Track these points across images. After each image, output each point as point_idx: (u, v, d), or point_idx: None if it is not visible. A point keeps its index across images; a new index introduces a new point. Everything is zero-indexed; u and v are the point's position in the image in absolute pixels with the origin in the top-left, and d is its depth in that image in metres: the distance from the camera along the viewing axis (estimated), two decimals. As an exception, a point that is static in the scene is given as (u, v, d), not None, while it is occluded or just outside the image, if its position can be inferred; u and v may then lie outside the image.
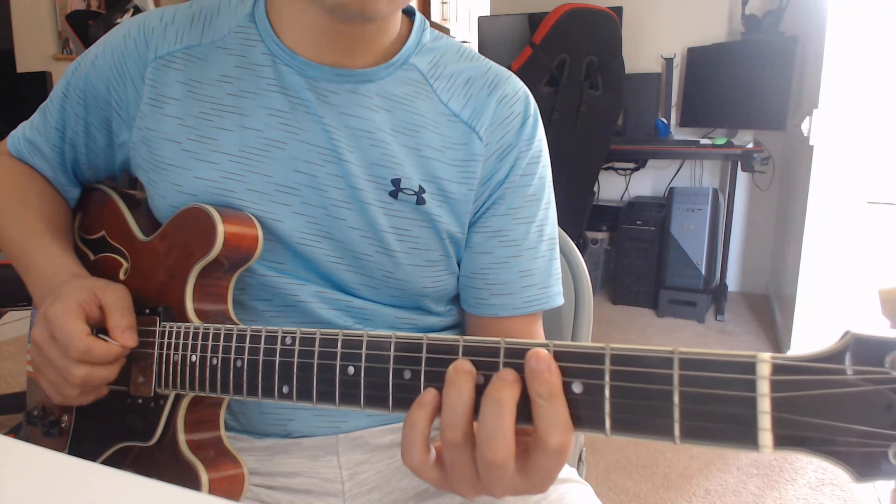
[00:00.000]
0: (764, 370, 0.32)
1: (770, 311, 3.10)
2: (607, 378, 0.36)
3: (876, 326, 0.31)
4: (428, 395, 0.41)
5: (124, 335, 0.56)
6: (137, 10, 2.52)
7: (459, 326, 0.75)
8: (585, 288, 0.83)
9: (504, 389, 0.38)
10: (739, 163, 2.93)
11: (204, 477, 0.55)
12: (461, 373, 0.39)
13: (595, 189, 3.29)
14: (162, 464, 0.57)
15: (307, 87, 0.61)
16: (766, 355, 0.32)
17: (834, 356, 0.31)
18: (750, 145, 2.96)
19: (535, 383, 0.37)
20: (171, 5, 0.66)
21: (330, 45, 0.61)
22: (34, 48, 3.29)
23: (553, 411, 0.37)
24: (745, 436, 0.32)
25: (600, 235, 3.29)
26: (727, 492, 1.76)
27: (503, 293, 0.67)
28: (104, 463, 0.61)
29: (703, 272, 2.97)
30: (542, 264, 0.68)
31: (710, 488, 1.77)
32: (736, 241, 3.37)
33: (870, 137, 2.23)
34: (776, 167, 3.21)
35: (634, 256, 3.15)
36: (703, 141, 3.09)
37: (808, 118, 2.32)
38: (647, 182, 3.55)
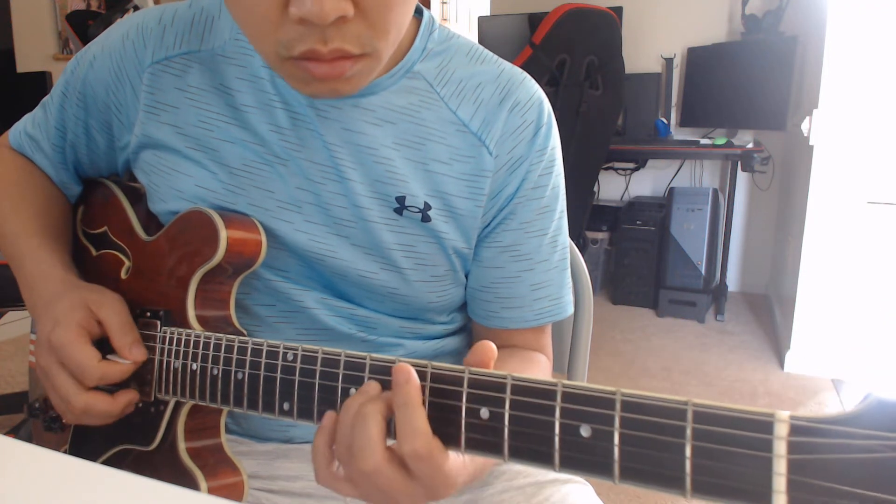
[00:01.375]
0: (781, 430, 0.31)
1: (770, 311, 3.10)
2: (617, 424, 0.35)
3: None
4: (327, 420, 0.44)
5: (132, 352, 0.56)
6: (137, 10, 2.51)
7: (463, 332, 0.74)
8: (585, 288, 0.82)
9: (369, 404, 0.41)
10: (739, 163, 2.93)
11: (203, 485, 0.55)
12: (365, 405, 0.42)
13: (595, 189, 3.29)
14: (161, 469, 0.57)
15: (307, 102, 0.59)
16: (785, 415, 0.31)
17: (854, 419, 0.30)
18: (750, 145, 2.96)
19: (396, 395, 0.40)
20: (171, 4, 0.64)
21: None
22: (34, 48, 3.29)
23: (406, 417, 0.40)
24: (758, 496, 0.31)
25: (600, 235, 3.29)
26: (727, 492, 1.76)
27: (514, 306, 0.65)
28: (104, 464, 0.61)
29: (703, 272, 2.96)
30: (555, 276, 0.66)
31: (710, 488, 1.77)
32: (736, 241, 3.37)
33: (870, 137, 2.23)
34: (776, 167, 3.20)
35: (634, 256, 3.14)
36: (703, 141, 3.09)
37: (808, 118, 2.32)
38: (647, 182, 3.55)
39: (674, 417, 0.33)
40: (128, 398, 0.57)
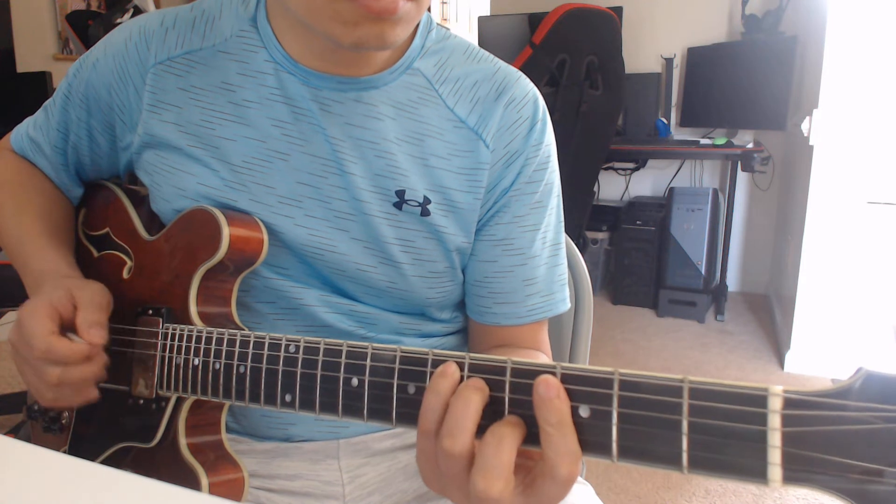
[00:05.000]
0: (775, 404, 0.31)
1: (770, 311, 3.10)
2: (615, 404, 0.35)
3: (888, 364, 0.31)
4: (451, 367, 0.40)
5: (90, 331, 0.54)
6: (138, 10, 2.52)
7: (465, 331, 0.75)
8: (585, 288, 0.83)
9: (504, 426, 0.37)
10: (739, 163, 2.93)
11: (204, 481, 0.55)
12: (472, 388, 0.38)
13: (595, 189, 3.29)
14: (162, 466, 0.57)
15: (310, 96, 0.60)
16: (778, 389, 0.31)
17: (846, 392, 0.30)
18: (750, 145, 2.96)
19: (543, 411, 0.36)
20: (173, 8, 0.65)
21: (335, 59, 0.59)
22: (34, 48, 3.29)
23: (562, 440, 0.36)
24: (754, 469, 0.32)
25: (600, 235, 3.29)
26: (727, 492, 1.76)
27: (507, 302, 0.66)
28: (103, 462, 0.61)
29: (703, 272, 2.97)
30: (545, 272, 0.67)
31: (710, 488, 1.77)
32: (736, 241, 3.37)
33: (870, 137, 2.23)
34: (776, 167, 3.21)
35: (634, 256, 3.14)
36: (703, 141, 3.09)
37: (808, 118, 2.32)
38: (647, 182, 3.55)
39: (670, 395, 0.34)
40: (85, 347, 0.54)
